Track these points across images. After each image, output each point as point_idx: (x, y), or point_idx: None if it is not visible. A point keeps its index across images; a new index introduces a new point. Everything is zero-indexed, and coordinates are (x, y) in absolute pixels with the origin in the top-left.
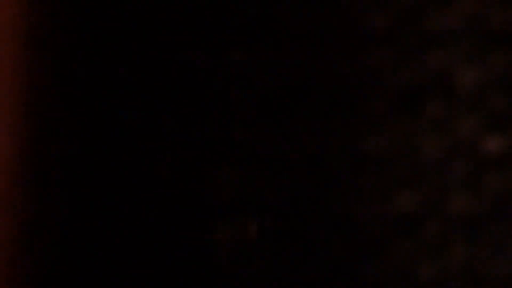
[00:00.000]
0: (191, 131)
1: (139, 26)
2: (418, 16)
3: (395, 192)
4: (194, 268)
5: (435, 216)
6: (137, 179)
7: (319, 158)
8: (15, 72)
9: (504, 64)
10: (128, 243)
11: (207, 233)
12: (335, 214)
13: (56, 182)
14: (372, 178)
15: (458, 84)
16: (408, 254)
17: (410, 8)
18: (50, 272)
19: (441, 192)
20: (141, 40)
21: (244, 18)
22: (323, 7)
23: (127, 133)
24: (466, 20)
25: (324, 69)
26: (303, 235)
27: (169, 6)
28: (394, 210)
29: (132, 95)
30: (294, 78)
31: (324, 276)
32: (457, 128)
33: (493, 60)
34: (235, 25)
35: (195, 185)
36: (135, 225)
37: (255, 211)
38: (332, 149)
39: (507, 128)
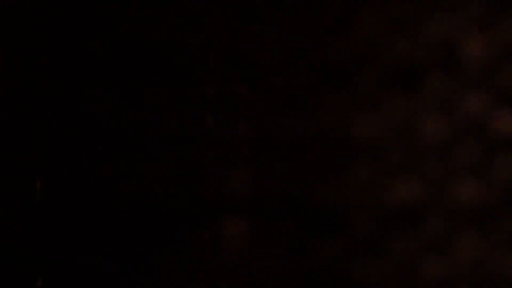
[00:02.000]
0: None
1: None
2: None
3: (392, 181)
4: (185, 261)
5: (439, 208)
6: (130, 177)
7: (306, 144)
8: None
9: None
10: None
11: (197, 230)
12: (324, 208)
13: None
14: (365, 165)
15: (464, 55)
16: (408, 251)
17: None
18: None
19: (445, 180)
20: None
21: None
22: None
23: (124, 130)
24: None
25: (312, 40)
26: (291, 233)
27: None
28: (391, 201)
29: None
30: (281, 53)
31: (315, 279)
32: (463, 105)
33: (503, 28)
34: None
35: (185, 183)
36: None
37: (244, 209)
38: (319, 133)
39: None
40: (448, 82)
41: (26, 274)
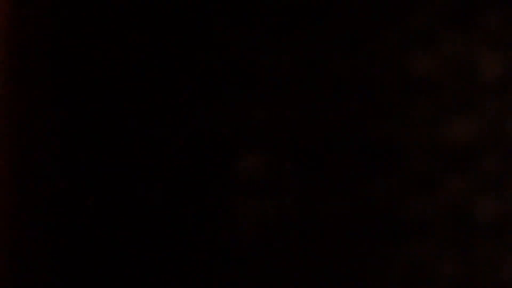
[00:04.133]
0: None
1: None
2: None
3: (446, 118)
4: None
5: (494, 147)
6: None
7: (360, 79)
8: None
9: None
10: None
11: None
12: (378, 143)
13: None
14: (419, 102)
15: None
16: (462, 191)
17: None
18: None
19: (501, 118)
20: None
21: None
22: None
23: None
24: None
25: None
26: (342, 172)
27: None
28: (446, 139)
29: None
30: None
31: (363, 216)
32: None
33: None
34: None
35: (220, 119)
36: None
37: (289, 140)
38: (373, 68)
39: None
40: (506, 19)
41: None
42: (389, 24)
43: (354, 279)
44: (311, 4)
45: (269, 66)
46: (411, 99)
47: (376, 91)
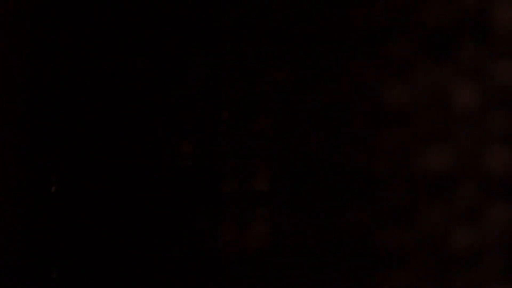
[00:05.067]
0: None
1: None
2: None
3: (422, 148)
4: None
5: (470, 177)
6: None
7: (335, 109)
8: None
9: None
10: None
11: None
12: (353, 173)
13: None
14: (396, 132)
15: (496, 23)
16: (438, 220)
17: None
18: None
19: (476, 147)
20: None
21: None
22: None
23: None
24: None
25: (342, 6)
26: (318, 201)
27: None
28: (422, 169)
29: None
30: (308, 20)
31: (340, 247)
32: (494, 73)
33: None
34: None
35: (204, 137)
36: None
37: (267, 165)
38: (349, 99)
39: None
40: (479, 50)
41: (41, 266)
42: (365, 55)
43: None
44: (287, 35)
45: (244, 94)
46: (386, 129)
47: (352, 122)
